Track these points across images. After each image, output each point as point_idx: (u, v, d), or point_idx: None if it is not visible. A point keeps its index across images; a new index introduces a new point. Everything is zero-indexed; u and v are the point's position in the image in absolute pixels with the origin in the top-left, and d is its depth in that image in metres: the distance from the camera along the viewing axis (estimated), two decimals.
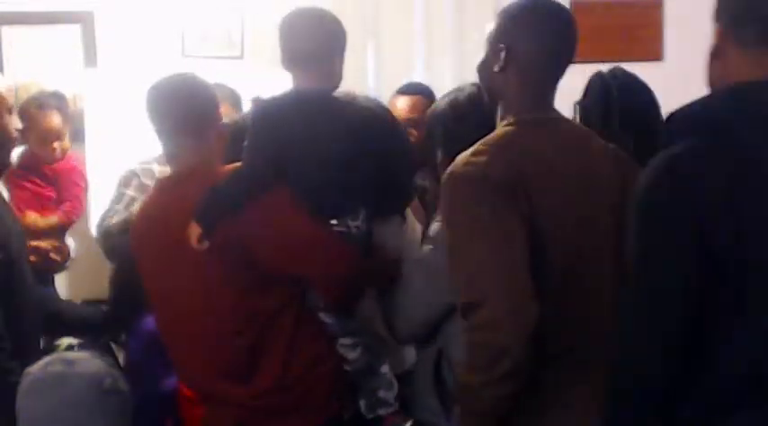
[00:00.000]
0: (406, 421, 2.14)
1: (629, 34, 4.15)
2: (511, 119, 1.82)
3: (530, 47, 1.80)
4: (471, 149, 1.76)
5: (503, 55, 1.81)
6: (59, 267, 3.13)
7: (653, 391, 1.52)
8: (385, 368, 2.16)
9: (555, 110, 1.87)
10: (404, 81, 3.27)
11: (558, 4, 1.85)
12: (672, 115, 1.60)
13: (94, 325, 2.52)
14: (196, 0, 4.07)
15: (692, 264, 1.46)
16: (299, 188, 2.03)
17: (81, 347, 2.30)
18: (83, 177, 3.31)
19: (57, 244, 3.11)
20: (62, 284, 3.37)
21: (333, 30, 2.18)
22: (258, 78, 4.02)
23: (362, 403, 2.13)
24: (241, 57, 4.13)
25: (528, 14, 1.82)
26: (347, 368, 2.11)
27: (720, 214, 1.45)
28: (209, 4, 4.09)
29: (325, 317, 2.10)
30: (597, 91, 2.28)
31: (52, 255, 3.06)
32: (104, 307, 2.55)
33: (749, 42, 1.54)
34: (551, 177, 1.74)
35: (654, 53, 4.11)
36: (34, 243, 2.96)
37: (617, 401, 1.57)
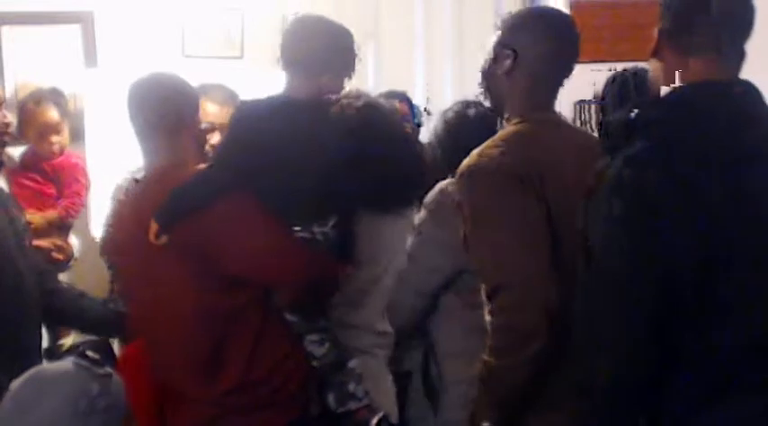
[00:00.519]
0: (375, 415, 2.16)
1: (630, 34, 4.15)
2: (519, 118, 1.88)
3: (538, 51, 1.87)
4: (485, 144, 1.83)
5: (509, 59, 1.88)
6: (62, 266, 3.13)
7: (630, 385, 1.55)
8: (353, 363, 2.18)
9: (557, 113, 1.94)
10: (404, 81, 3.28)
11: (561, 12, 1.95)
12: (610, 121, 1.66)
13: (105, 325, 2.51)
14: (196, 0, 4.07)
15: (658, 263, 1.50)
16: (264, 193, 2.04)
17: (87, 346, 2.28)
18: (84, 174, 3.31)
19: (59, 242, 3.11)
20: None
21: (331, 43, 2.19)
22: (258, 78, 4.03)
23: (331, 398, 2.15)
24: (241, 57, 4.14)
25: (535, 20, 1.90)
26: (315, 364, 2.13)
27: (677, 215, 1.50)
28: (209, 4, 4.09)
29: (290, 316, 2.13)
30: (617, 88, 2.33)
31: (54, 254, 3.06)
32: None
33: (683, 49, 1.61)
34: (561, 169, 1.79)
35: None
36: (36, 242, 2.96)
37: (598, 398, 1.59)
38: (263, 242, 2.03)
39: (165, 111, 2.12)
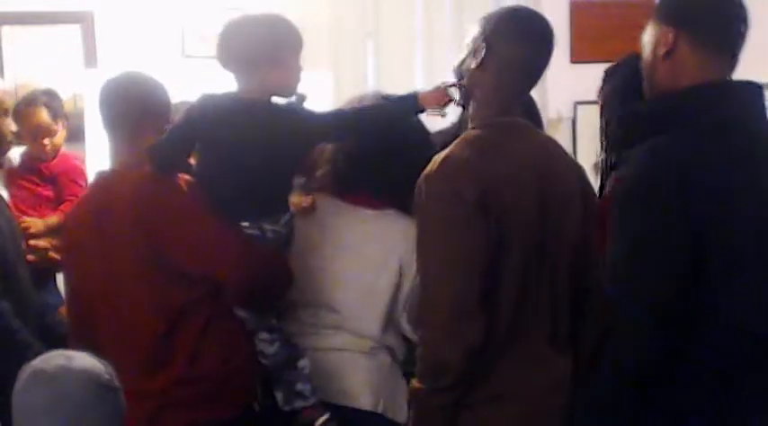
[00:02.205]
0: (322, 415, 2.20)
1: (629, 34, 4.14)
2: (483, 121, 1.88)
3: (509, 49, 1.85)
4: (445, 154, 1.81)
5: (483, 52, 1.86)
6: (59, 266, 3.13)
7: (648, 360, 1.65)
8: (303, 363, 2.21)
9: (519, 117, 1.91)
10: (404, 81, 3.28)
11: (542, 17, 1.92)
12: (633, 112, 1.74)
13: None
14: (196, 0, 4.07)
15: (684, 250, 1.58)
16: (212, 190, 2.09)
17: None
18: (83, 175, 3.30)
19: (56, 242, 3.11)
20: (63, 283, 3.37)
21: (266, 38, 2.16)
22: None
23: (279, 396, 2.18)
24: None
25: (511, 18, 1.89)
26: (264, 362, 2.17)
27: (702, 201, 1.57)
28: (209, 4, 4.09)
29: (241, 313, 2.16)
30: (630, 70, 2.33)
31: (51, 254, 3.06)
32: None
33: (701, 46, 1.68)
34: (519, 183, 1.79)
35: None
36: (32, 242, 2.96)
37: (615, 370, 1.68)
38: (206, 236, 2.07)
39: (130, 111, 2.18)
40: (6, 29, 3.84)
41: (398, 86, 3.19)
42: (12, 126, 2.48)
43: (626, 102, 2.33)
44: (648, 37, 1.78)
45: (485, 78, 1.88)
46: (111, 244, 2.08)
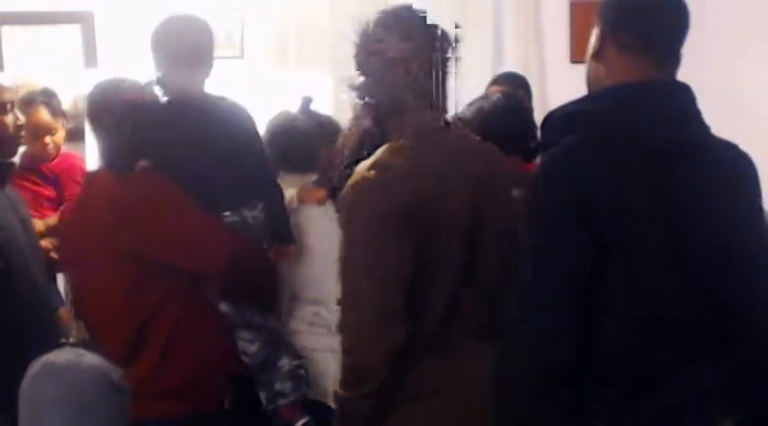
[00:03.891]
0: (301, 418, 2.26)
1: None
2: (401, 133, 1.87)
3: (407, 52, 1.86)
4: (369, 164, 1.82)
5: (388, 60, 1.86)
6: (60, 265, 3.12)
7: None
8: (283, 362, 2.27)
9: (440, 119, 1.92)
10: None
11: (414, 9, 1.94)
12: (551, 114, 1.72)
13: None
14: (196, 0, 4.07)
15: (584, 250, 1.56)
16: (187, 182, 2.15)
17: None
18: (83, 175, 3.30)
19: (56, 243, 3.10)
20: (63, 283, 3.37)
21: (207, 38, 2.40)
22: (258, 78, 4.03)
23: (263, 396, 2.25)
24: (241, 57, 4.14)
25: (401, 20, 1.89)
26: (246, 360, 2.23)
27: (606, 203, 1.57)
28: (209, 4, 4.09)
29: (224, 307, 2.21)
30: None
31: (52, 254, 3.06)
32: None
33: (626, 47, 1.68)
34: (446, 189, 1.81)
35: None
36: None
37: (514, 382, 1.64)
38: (187, 226, 2.12)
39: (96, 111, 2.28)
40: (6, 29, 3.83)
41: None
42: (20, 120, 2.49)
43: None
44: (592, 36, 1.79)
45: (397, 82, 1.87)
46: (93, 240, 2.15)
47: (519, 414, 1.62)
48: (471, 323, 1.87)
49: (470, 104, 2.41)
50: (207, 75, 2.37)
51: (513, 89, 3.02)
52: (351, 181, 1.81)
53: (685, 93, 1.71)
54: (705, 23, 3.71)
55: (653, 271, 1.61)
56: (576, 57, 4.21)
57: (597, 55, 1.72)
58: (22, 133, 2.56)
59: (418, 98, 1.88)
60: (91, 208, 2.18)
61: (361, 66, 1.90)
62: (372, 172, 1.80)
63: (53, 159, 3.25)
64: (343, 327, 1.81)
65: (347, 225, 1.81)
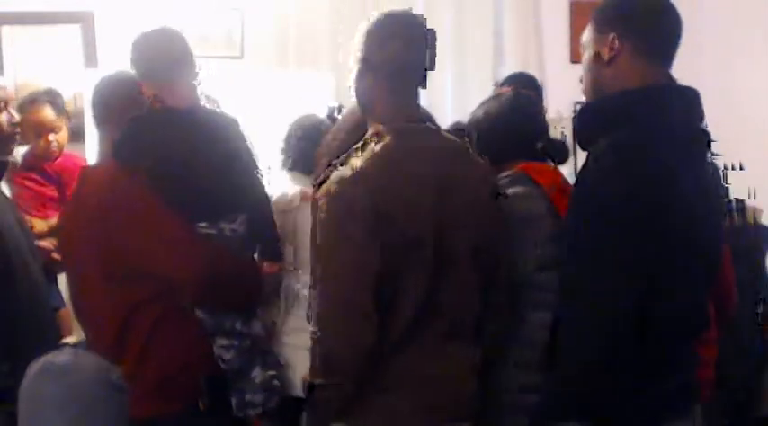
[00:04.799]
0: None
1: None
2: (374, 132, 1.94)
3: (381, 57, 1.92)
4: (343, 169, 1.88)
5: (361, 65, 1.94)
6: (61, 266, 3.13)
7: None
8: (255, 372, 2.28)
9: (417, 120, 1.97)
10: None
11: (411, 14, 1.97)
12: (588, 110, 1.82)
13: None
14: (196, 0, 4.07)
15: (649, 248, 1.65)
16: (168, 193, 2.17)
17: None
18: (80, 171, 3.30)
19: (57, 243, 3.11)
20: (63, 283, 3.37)
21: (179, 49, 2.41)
22: (258, 78, 4.03)
23: (233, 402, 2.25)
24: (241, 57, 4.14)
25: (378, 27, 1.94)
26: (223, 366, 2.23)
27: (667, 201, 1.66)
28: (209, 4, 4.09)
29: (200, 313, 2.22)
30: None
31: (54, 255, 3.06)
32: None
33: (640, 53, 1.78)
34: (416, 193, 1.86)
35: None
36: (36, 242, 2.96)
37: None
38: (162, 235, 2.15)
39: (94, 106, 2.37)
40: (6, 29, 3.84)
41: None
42: (15, 118, 2.50)
43: None
44: (588, 40, 1.85)
45: (372, 89, 1.94)
46: (80, 237, 2.19)
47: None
48: (444, 323, 1.91)
49: (481, 105, 2.42)
50: (193, 77, 2.39)
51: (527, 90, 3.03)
52: (324, 186, 1.88)
53: (698, 96, 1.80)
54: (704, 24, 3.71)
55: (689, 264, 1.73)
56: (576, 58, 4.20)
57: (608, 60, 1.79)
58: (18, 130, 2.56)
59: (391, 100, 1.93)
60: (81, 206, 2.23)
61: (350, 69, 1.99)
62: (342, 173, 1.86)
63: (56, 158, 3.25)
64: (318, 321, 1.88)
65: (320, 224, 1.88)
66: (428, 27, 1.96)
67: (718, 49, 3.83)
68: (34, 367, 1.67)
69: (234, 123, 2.43)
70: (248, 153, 2.44)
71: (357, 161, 1.88)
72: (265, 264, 2.56)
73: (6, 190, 2.95)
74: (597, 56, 1.81)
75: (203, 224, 2.22)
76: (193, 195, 2.20)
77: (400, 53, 1.91)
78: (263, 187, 2.51)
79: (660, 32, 1.80)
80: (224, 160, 2.27)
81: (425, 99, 3.65)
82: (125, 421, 1.69)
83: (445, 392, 1.91)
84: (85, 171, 2.37)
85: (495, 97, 2.43)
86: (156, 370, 2.14)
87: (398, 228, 1.83)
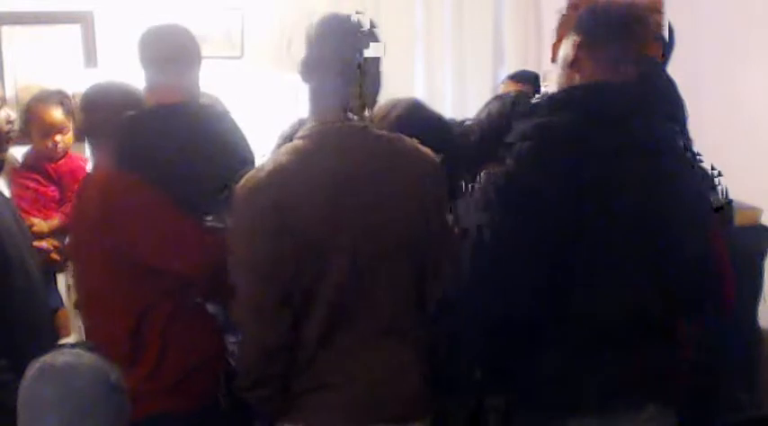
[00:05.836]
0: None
1: None
2: (302, 132, 1.96)
3: (315, 55, 1.94)
4: (257, 167, 1.93)
5: (302, 66, 1.96)
6: (60, 267, 3.13)
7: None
8: None
9: (343, 119, 1.96)
10: (403, 81, 3.27)
11: (346, 18, 1.98)
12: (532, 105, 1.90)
13: None
14: (196, 0, 4.07)
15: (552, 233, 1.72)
16: (170, 186, 2.18)
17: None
18: (84, 176, 3.30)
19: (57, 243, 3.11)
20: (63, 283, 3.37)
21: (192, 40, 2.42)
22: (258, 78, 4.03)
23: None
24: (241, 57, 4.14)
25: (311, 30, 1.97)
26: (233, 362, 2.23)
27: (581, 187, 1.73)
28: (209, 4, 4.09)
29: (211, 308, 2.26)
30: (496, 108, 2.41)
31: (53, 255, 3.06)
32: None
33: (602, 56, 1.84)
34: (329, 191, 1.87)
35: (653, 53, 4.11)
36: (36, 243, 2.96)
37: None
38: (170, 230, 2.17)
39: (84, 115, 2.39)
40: (6, 29, 3.83)
41: (398, 86, 3.19)
42: (11, 117, 2.50)
43: None
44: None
45: (310, 88, 1.96)
46: (86, 239, 2.21)
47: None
48: (375, 320, 1.92)
49: (485, 106, 2.44)
50: (196, 75, 2.40)
51: (531, 87, 3.04)
52: (238, 184, 1.91)
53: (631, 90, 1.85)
54: (704, 27, 3.71)
55: (610, 262, 1.76)
56: None
57: (572, 63, 1.85)
58: (13, 129, 2.57)
59: (322, 100, 1.95)
60: (85, 211, 2.24)
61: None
62: (253, 172, 1.91)
63: (60, 159, 3.25)
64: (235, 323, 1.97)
65: (231, 219, 1.93)
66: (366, 28, 1.98)
67: (719, 50, 3.83)
68: (32, 368, 1.66)
69: (228, 116, 2.46)
70: (245, 145, 2.45)
71: (269, 161, 1.92)
72: None
73: (6, 190, 2.95)
74: (568, 61, 1.89)
75: (209, 217, 2.24)
76: (197, 190, 2.21)
77: (323, 53, 1.93)
78: None
79: (619, 37, 1.85)
80: (225, 154, 2.29)
81: (426, 99, 3.66)
82: (125, 421, 1.69)
83: (379, 390, 1.90)
84: (87, 177, 2.39)
85: (498, 97, 2.44)
86: (175, 367, 2.15)
87: (306, 227, 1.85)
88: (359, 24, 1.96)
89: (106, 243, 2.15)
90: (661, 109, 1.93)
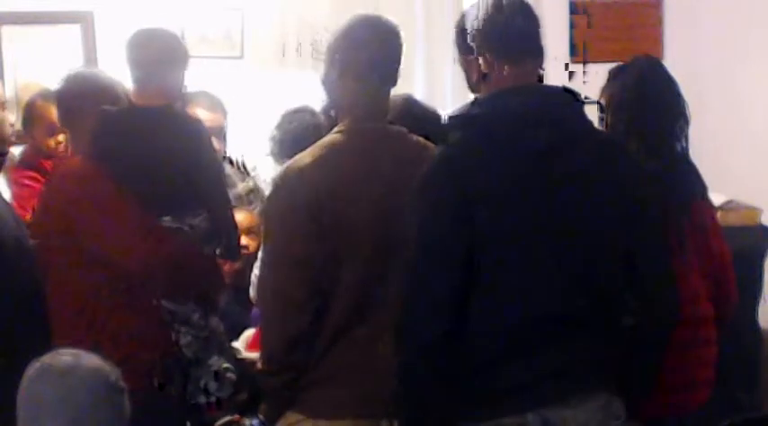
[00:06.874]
0: (222, 418, 2.37)
1: (629, 34, 4.15)
2: (342, 126, 2.01)
3: (358, 57, 1.99)
4: (293, 161, 1.99)
5: (337, 64, 2.01)
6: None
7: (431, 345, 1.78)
8: (213, 360, 2.36)
9: (381, 120, 2.05)
10: (403, 81, 3.27)
11: (385, 19, 2.06)
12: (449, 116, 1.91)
13: None
14: (196, 0, 4.07)
15: (461, 238, 1.74)
16: (134, 188, 2.26)
17: None
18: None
19: None
20: None
21: (164, 48, 2.43)
22: (258, 78, 4.03)
23: (188, 389, 2.33)
24: (241, 57, 4.14)
25: (349, 29, 2.02)
26: (182, 352, 2.32)
27: (480, 195, 1.75)
28: (209, 4, 4.09)
29: (165, 303, 2.30)
30: (637, 71, 2.38)
31: None
32: None
33: (509, 65, 1.86)
34: (359, 190, 1.94)
35: (654, 53, 4.11)
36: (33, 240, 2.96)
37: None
38: (121, 226, 2.25)
39: (59, 104, 2.47)
40: (6, 29, 3.83)
41: (398, 86, 3.19)
42: (10, 118, 2.51)
43: (623, 104, 2.35)
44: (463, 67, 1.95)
45: (345, 87, 2.01)
46: (49, 231, 2.30)
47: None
48: (384, 316, 1.93)
49: None
50: (181, 77, 2.44)
51: None
52: (274, 176, 1.98)
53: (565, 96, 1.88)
54: (704, 27, 3.71)
55: (524, 264, 1.78)
56: (577, 57, 4.22)
57: (485, 77, 1.87)
58: (14, 131, 2.59)
59: (356, 100, 2.01)
60: (51, 197, 2.35)
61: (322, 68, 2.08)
62: (289, 166, 1.97)
63: (59, 157, 3.24)
64: (260, 311, 1.99)
65: (264, 215, 1.99)
66: (399, 31, 2.04)
67: (719, 50, 3.83)
68: (32, 368, 1.66)
69: (199, 124, 2.52)
70: (211, 153, 2.52)
71: (305, 156, 1.96)
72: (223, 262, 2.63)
73: (5, 188, 2.95)
74: (474, 78, 1.92)
75: (167, 218, 2.30)
76: (158, 190, 2.29)
77: (367, 54, 1.99)
78: (225, 187, 2.59)
79: (519, 42, 1.91)
80: (187, 158, 2.35)
81: (426, 98, 3.66)
82: (124, 421, 1.69)
83: (386, 385, 1.90)
84: (57, 164, 2.51)
85: None
86: (113, 348, 2.16)
87: (336, 222, 1.90)
88: (397, 28, 2.04)
89: (60, 225, 2.24)
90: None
